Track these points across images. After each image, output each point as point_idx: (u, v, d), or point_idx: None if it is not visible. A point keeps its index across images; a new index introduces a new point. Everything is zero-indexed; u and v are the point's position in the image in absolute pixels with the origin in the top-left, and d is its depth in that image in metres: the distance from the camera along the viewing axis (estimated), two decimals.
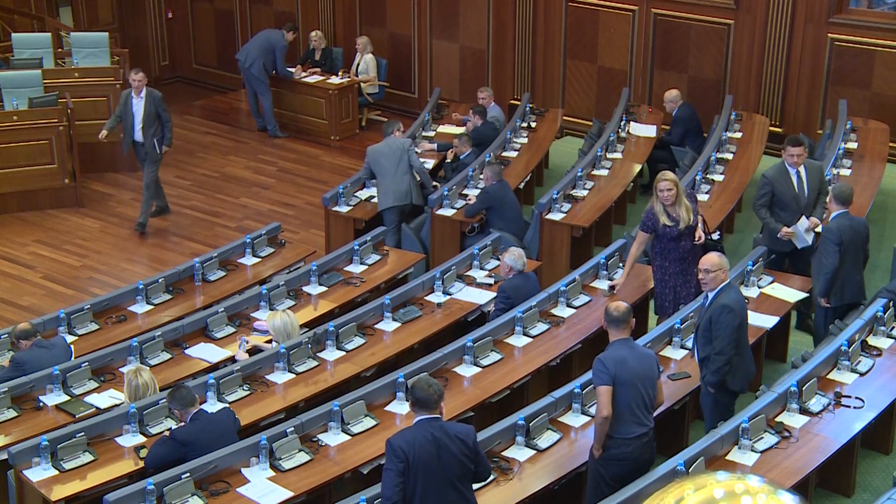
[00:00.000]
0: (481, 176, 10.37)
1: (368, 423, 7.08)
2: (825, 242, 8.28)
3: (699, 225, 8.43)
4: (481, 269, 9.30)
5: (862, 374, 7.47)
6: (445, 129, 12.68)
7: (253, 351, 7.97)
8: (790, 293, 8.58)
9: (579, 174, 10.75)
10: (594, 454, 6.38)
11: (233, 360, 7.93)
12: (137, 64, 15.22)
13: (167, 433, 6.68)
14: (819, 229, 8.76)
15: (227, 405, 7.21)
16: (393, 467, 5.57)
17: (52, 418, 7.30)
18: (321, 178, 13.15)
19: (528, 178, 11.62)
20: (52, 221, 12.05)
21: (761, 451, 6.66)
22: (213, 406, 7.20)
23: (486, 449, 6.65)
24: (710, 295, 7.03)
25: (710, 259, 7.04)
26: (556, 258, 10.13)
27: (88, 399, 7.48)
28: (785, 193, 8.90)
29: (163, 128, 11.54)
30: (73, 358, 7.86)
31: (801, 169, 8.93)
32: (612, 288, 8.72)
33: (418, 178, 10.81)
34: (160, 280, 8.99)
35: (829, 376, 7.43)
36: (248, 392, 7.50)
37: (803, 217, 8.86)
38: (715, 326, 6.93)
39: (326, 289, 9.07)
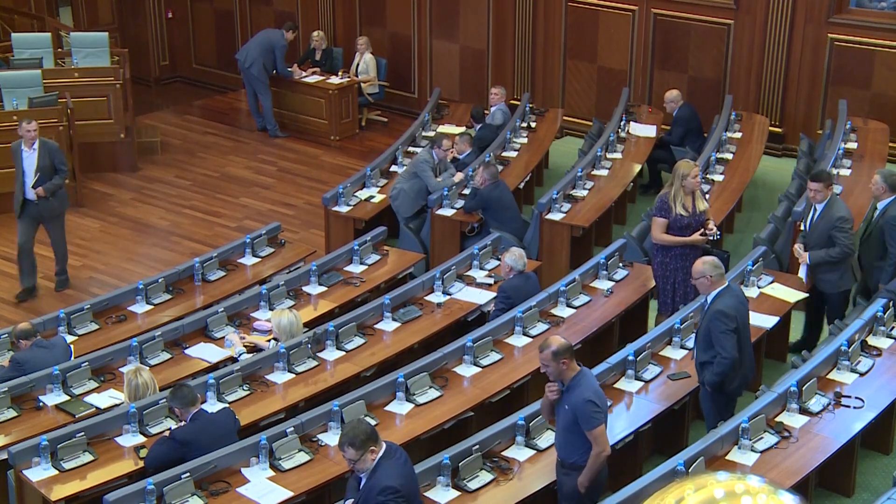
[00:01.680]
0: (477, 178, 10.33)
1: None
2: (894, 230, 8.32)
3: (710, 222, 8.49)
4: (481, 269, 9.30)
5: (862, 374, 7.46)
6: (445, 128, 12.67)
7: (252, 349, 7.98)
8: (790, 293, 8.58)
9: (579, 174, 10.75)
10: (581, 489, 6.18)
11: (233, 360, 7.93)
12: (137, 63, 15.25)
13: (167, 433, 6.68)
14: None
15: (227, 405, 7.21)
16: None
17: (52, 418, 7.30)
18: (321, 178, 13.15)
19: (528, 178, 11.62)
20: None
21: (761, 451, 6.66)
22: (213, 406, 7.20)
23: (486, 449, 6.67)
24: (709, 298, 7.05)
25: (694, 267, 7.13)
26: (556, 258, 10.13)
27: (88, 399, 7.48)
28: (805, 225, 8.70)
29: (54, 176, 10.07)
30: (72, 358, 7.86)
31: (819, 206, 8.42)
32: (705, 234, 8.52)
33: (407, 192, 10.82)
34: (160, 280, 8.99)
35: (829, 376, 7.43)
36: (248, 392, 7.49)
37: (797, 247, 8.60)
38: (713, 333, 6.94)
39: (326, 289, 9.07)
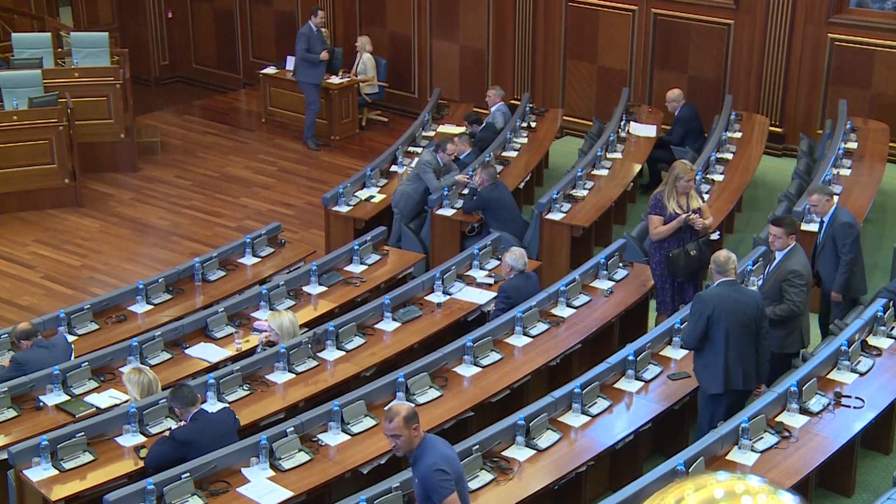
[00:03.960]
0: (475, 179, 10.32)
1: (368, 423, 7.07)
2: (849, 235, 8.21)
3: (702, 216, 8.51)
4: (481, 269, 9.30)
5: (862, 374, 7.46)
6: (445, 128, 12.67)
7: (268, 345, 7.99)
8: None
9: (579, 174, 10.75)
10: None
11: (233, 360, 7.93)
12: (137, 63, 15.22)
13: (167, 433, 6.69)
14: None
15: (227, 405, 7.21)
16: None
17: (52, 418, 7.30)
18: (321, 178, 13.16)
19: (528, 178, 11.62)
20: (52, 221, 12.05)
21: (761, 451, 6.66)
22: (213, 406, 7.20)
23: (486, 449, 6.66)
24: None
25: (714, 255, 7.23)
26: (556, 258, 10.13)
27: (88, 399, 7.48)
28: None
29: None
30: (73, 357, 7.86)
31: (778, 255, 7.82)
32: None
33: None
34: (160, 280, 8.98)
35: (829, 376, 7.43)
36: (248, 392, 7.49)
37: None
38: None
39: (326, 289, 9.07)
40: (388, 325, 8.40)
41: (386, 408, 5.85)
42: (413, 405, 5.91)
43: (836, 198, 8.47)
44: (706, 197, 10.34)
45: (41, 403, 7.42)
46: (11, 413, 7.30)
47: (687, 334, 7.15)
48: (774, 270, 7.79)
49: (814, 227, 9.16)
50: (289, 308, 8.55)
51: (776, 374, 7.62)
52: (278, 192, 12.87)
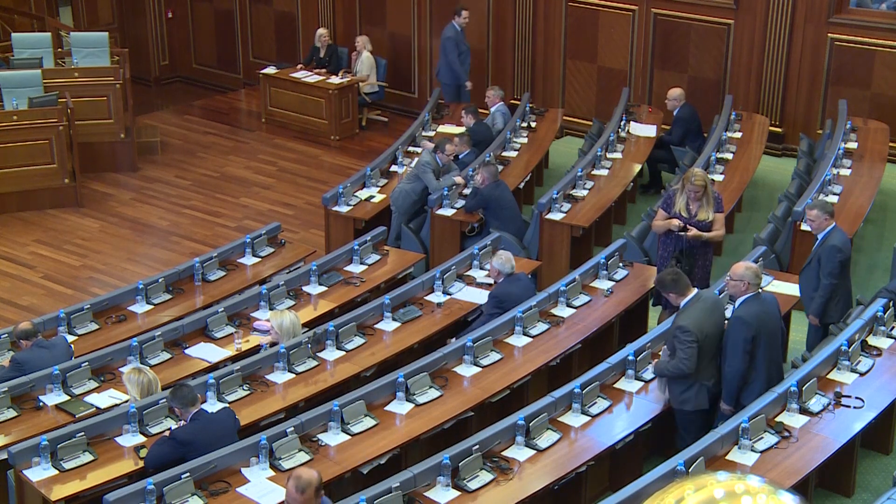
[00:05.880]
0: (477, 178, 10.33)
1: (368, 423, 7.08)
2: (834, 259, 8.02)
3: (713, 229, 8.44)
4: (481, 269, 9.30)
5: (862, 374, 7.46)
6: (445, 128, 12.66)
7: (270, 345, 7.99)
8: (791, 293, 8.56)
9: (579, 174, 10.75)
10: None
11: (233, 360, 7.93)
12: (137, 63, 15.21)
13: (167, 433, 6.69)
14: None
15: (227, 405, 7.21)
16: None
17: (52, 418, 7.30)
18: (321, 178, 13.16)
19: (528, 178, 11.62)
20: (52, 221, 12.05)
21: (761, 451, 6.66)
22: (213, 406, 7.20)
23: (486, 449, 6.66)
24: (737, 304, 7.06)
25: (736, 268, 7.08)
26: (556, 258, 10.13)
27: (88, 399, 7.48)
28: None
29: None
30: (73, 358, 7.85)
31: (681, 305, 7.18)
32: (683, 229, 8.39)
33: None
34: (160, 280, 8.99)
35: (829, 376, 7.43)
36: (248, 392, 7.50)
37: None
38: (727, 340, 6.96)
39: (326, 289, 9.07)
40: (388, 325, 8.40)
41: (295, 475, 5.59)
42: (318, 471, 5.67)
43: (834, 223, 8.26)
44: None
45: (41, 403, 7.42)
46: (11, 413, 7.30)
47: (736, 361, 6.94)
48: (674, 322, 7.22)
49: None
50: (289, 308, 8.55)
51: (687, 437, 7.09)
52: (278, 192, 12.87)
